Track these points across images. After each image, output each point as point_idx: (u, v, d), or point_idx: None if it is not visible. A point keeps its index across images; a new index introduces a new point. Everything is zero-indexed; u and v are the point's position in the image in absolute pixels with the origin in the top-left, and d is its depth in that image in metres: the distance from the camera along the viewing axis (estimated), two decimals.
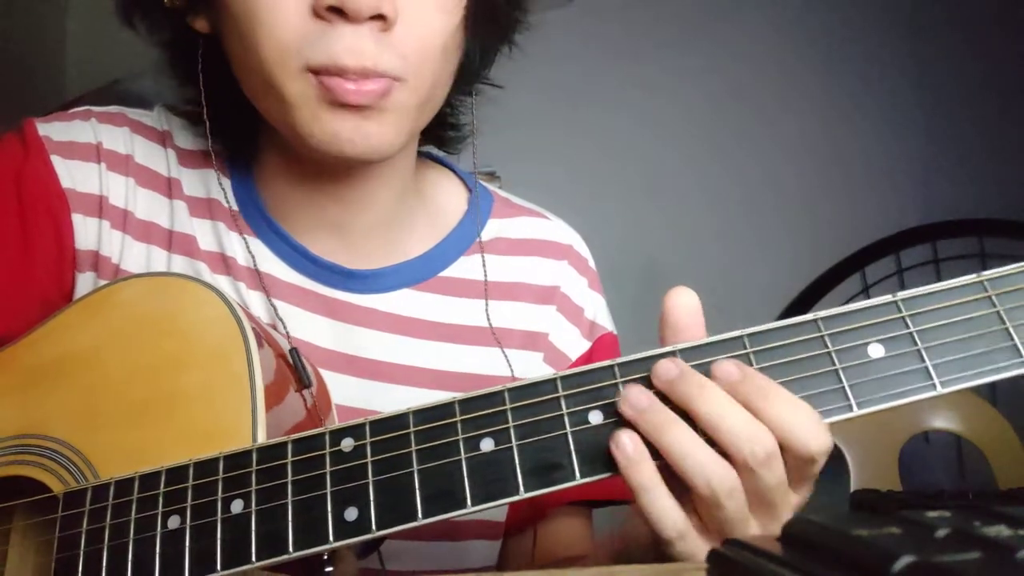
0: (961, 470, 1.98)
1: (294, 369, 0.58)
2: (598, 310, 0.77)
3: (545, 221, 0.78)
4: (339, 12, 0.53)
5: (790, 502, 0.44)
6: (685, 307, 0.47)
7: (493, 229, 0.75)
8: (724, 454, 0.42)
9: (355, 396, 0.66)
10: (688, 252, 2.27)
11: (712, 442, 0.42)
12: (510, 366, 0.68)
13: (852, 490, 1.39)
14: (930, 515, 0.29)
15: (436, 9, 0.57)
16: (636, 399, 0.43)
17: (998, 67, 2.30)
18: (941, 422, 1.48)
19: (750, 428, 0.41)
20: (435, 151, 0.77)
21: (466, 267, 0.72)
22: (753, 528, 0.44)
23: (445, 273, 0.71)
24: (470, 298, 0.71)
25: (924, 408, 1.49)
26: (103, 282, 0.64)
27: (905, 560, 0.24)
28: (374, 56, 0.54)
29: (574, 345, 0.74)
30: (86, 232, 0.65)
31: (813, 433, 0.42)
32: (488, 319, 0.69)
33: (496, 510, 0.69)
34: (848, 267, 2.20)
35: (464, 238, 0.73)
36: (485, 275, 0.71)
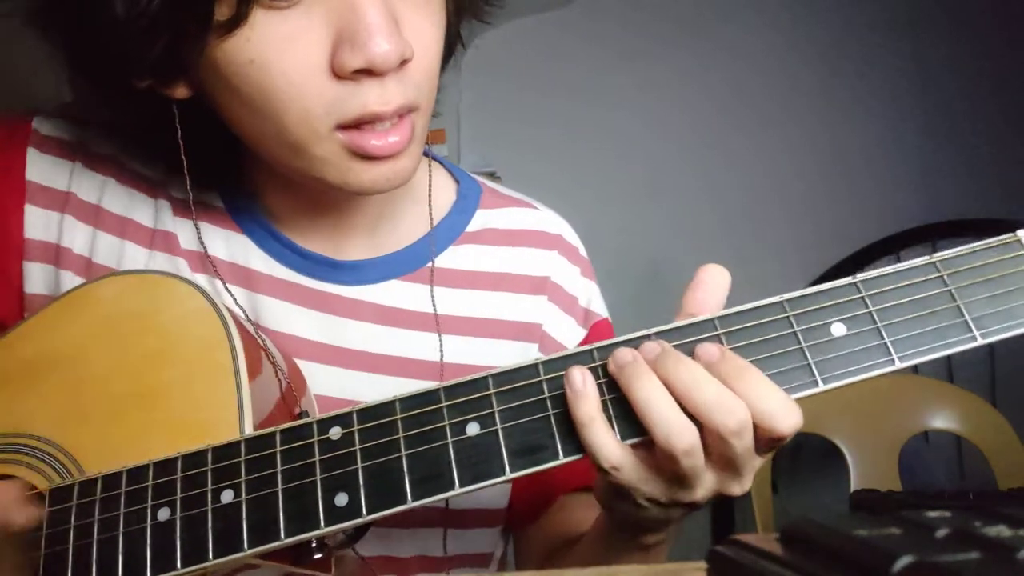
0: (961, 470, 1.98)
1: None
2: (592, 297, 0.77)
3: (534, 211, 0.78)
4: (365, 71, 0.53)
5: (754, 465, 0.47)
6: (717, 279, 0.50)
7: (481, 220, 0.74)
8: (699, 424, 0.45)
9: (345, 387, 0.66)
10: (689, 252, 2.26)
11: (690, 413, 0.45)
12: (441, 351, 0.69)
13: (852, 490, 1.39)
14: (930, 515, 0.29)
15: (431, 27, 0.57)
16: (621, 355, 0.46)
17: (998, 67, 2.30)
18: (941, 422, 1.48)
19: (724, 400, 0.44)
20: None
21: (455, 257, 0.72)
22: (708, 483, 0.47)
23: (435, 264, 0.71)
24: (459, 288, 0.71)
25: (924, 408, 1.49)
26: (65, 272, 0.65)
27: (905, 560, 0.24)
28: (402, 96, 0.55)
29: (570, 334, 0.74)
30: (44, 223, 0.66)
31: (783, 414, 0.45)
32: (433, 305, 0.69)
33: (495, 496, 0.71)
34: (848, 267, 2.20)
35: (453, 229, 0.73)
36: (433, 261, 0.71)
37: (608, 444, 0.45)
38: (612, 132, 2.32)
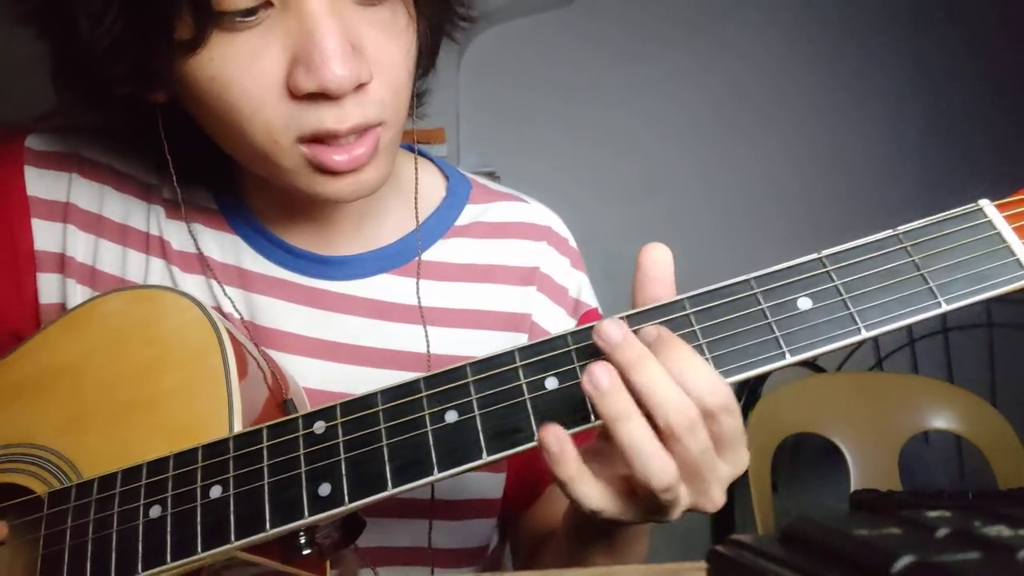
0: (961, 470, 1.98)
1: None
2: (581, 288, 0.77)
3: (523, 204, 0.78)
4: (321, 94, 0.53)
5: (719, 474, 0.47)
6: (658, 259, 0.50)
7: (471, 214, 0.75)
8: (652, 422, 0.44)
9: (337, 381, 0.67)
10: (688, 252, 2.25)
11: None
12: (427, 343, 0.69)
13: (852, 490, 1.39)
14: (930, 515, 0.29)
15: (396, 47, 0.57)
16: (608, 333, 0.45)
17: (998, 67, 2.30)
18: (941, 422, 1.48)
19: (677, 399, 0.44)
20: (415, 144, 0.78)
21: (444, 251, 0.73)
22: (683, 499, 0.46)
23: (423, 257, 0.72)
24: (448, 281, 0.72)
25: (924, 408, 1.49)
26: (70, 280, 0.67)
27: (905, 560, 0.24)
28: (360, 115, 0.55)
29: (560, 325, 0.75)
30: (50, 235, 0.68)
31: (708, 389, 0.44)
32: (418, 298, 0.70)
33: (490, 487, 0.71)
34: None
35: (441, 223, 0.74)
36: (419, 255, 0.72)
37: (591, 495, 0.46)
38: (611, 132, 2.32)
